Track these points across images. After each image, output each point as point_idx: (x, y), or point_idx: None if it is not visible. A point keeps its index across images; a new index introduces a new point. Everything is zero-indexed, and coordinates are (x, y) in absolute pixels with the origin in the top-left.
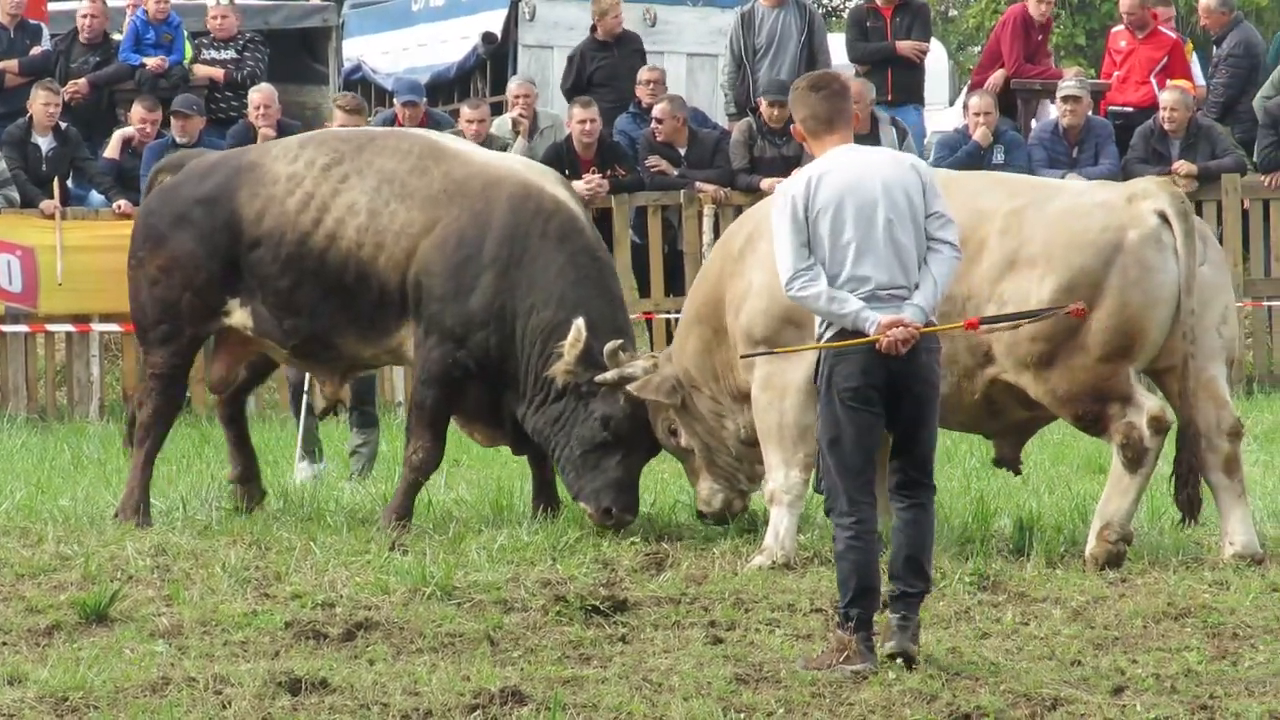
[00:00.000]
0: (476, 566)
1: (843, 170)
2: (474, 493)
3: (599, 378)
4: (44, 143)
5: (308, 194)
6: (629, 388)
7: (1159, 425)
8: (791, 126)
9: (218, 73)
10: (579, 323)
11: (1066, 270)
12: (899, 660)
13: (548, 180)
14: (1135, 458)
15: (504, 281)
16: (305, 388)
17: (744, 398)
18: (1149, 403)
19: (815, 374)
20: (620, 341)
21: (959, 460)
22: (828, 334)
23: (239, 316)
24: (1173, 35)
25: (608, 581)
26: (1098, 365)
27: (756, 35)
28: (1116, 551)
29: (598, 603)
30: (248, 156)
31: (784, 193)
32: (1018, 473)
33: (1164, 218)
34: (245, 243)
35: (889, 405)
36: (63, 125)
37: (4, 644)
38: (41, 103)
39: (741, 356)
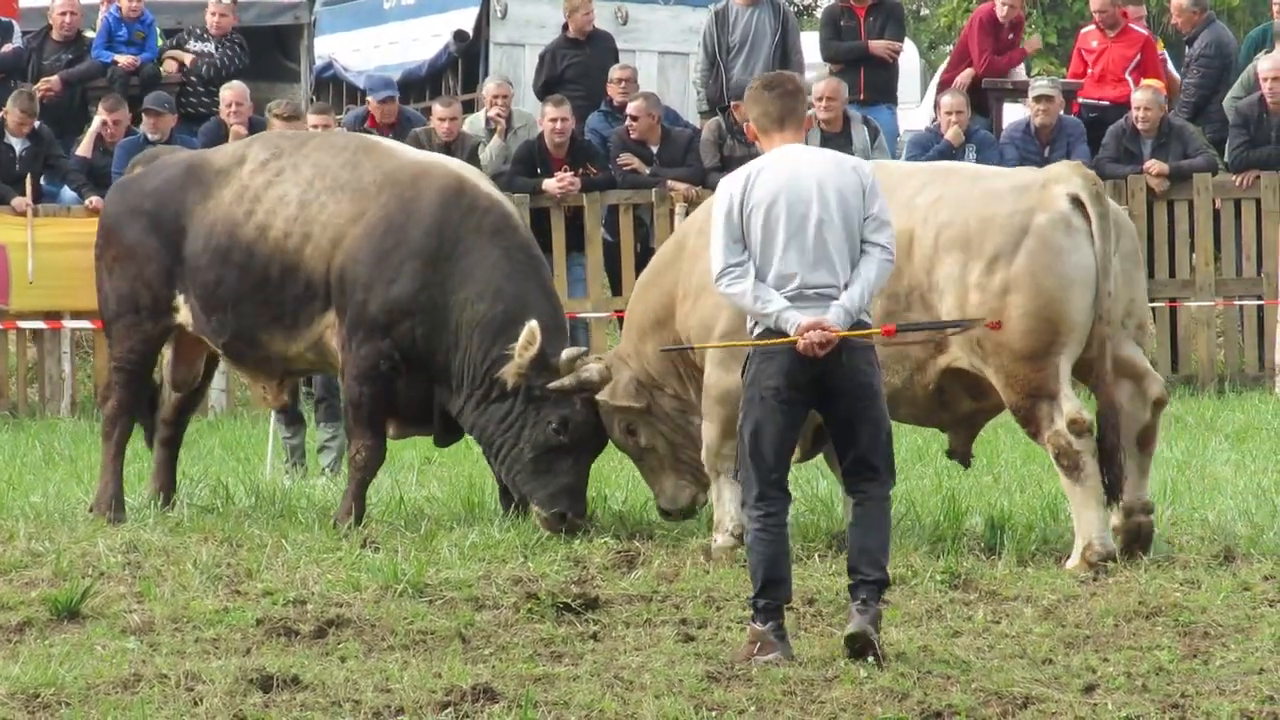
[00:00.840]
0: (448, 564)
1: (780, 168)
2: (446, 490)
3: (554, 385)
4: (17, 142)
5: (244, 186)
6: (599, 397)
7: (1078, 427)
8: (745, 124)
9: (186, 57)
10: (532, 325)
11: (981, 255)
12: (857, 644)
13: (482, 179)
14: (1072, 464)
15: (433, 273)
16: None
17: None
18: (1067, 406)
19: (742, 371)
20: (582, 350)
21: (931, 459)
22: (755, 330)
23: (184, 313)
24: (1144, 32)
25: (579, 579)
26: (1026, 359)
27: (730, 33)
28: (1097, 571)
29: (569, 600)
30: (202, 154)
31: (724, 188)
32: (968, 465)
33: (1076, 202)
34: (188, 237)
35: (822, 405)
36: (36, 124)
37: None
38: (15, 121)
39: (661, 350)
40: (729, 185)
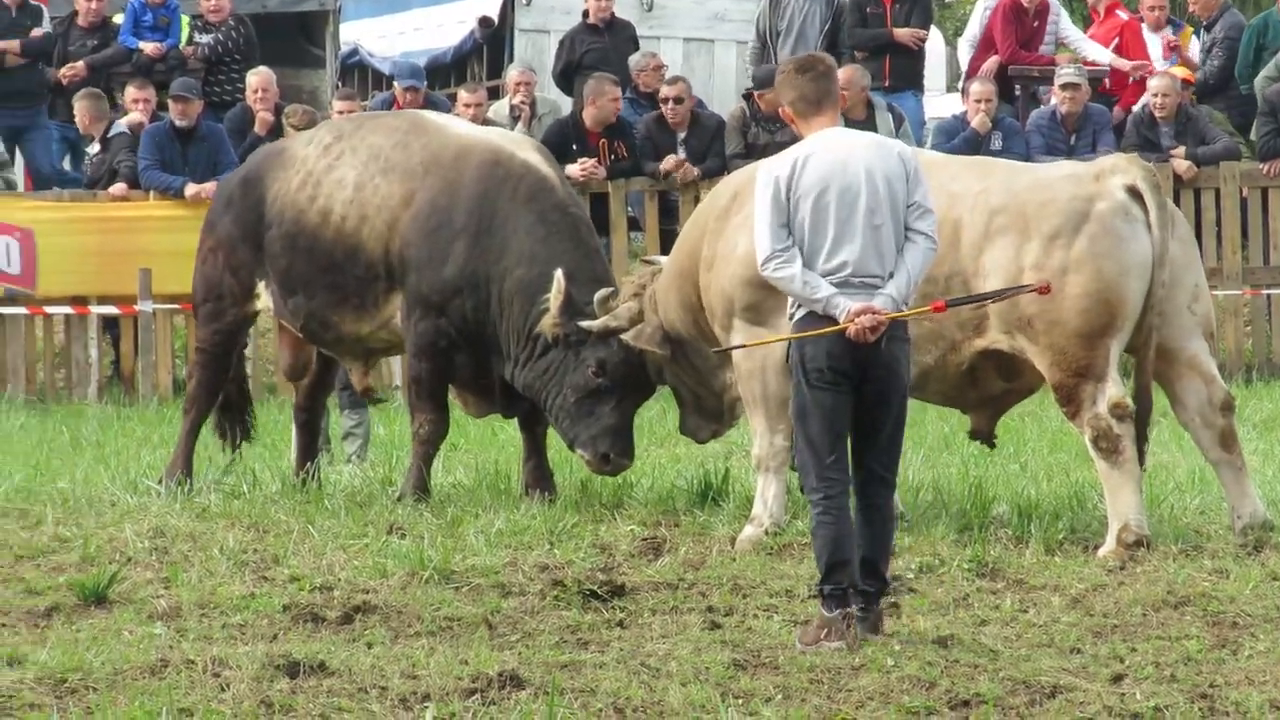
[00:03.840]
0: (475, 550)
1: (828, 154)
2: (472, 476)
3: (584, 324)
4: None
5: (308, 172)
6: (624, 338)
7: (1120, 412)
8: (780, 109)
9: (188, 49)
10: (558, 273)
11: (1039, 237)
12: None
13: (520, 147)
14: (1110, 447)
15: (476, 248)
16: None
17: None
18: (1111, 389)
19: (786, 354)
20: (610, 289)
21: (958, 447)
22: (797, 315)
23: (264, 298)
24: (1124, 17)
25: (605, 566)
26: (1079, 338)
27: (781, 18)
28: (1131, 557)
29: (595, 587)
30: (282, 142)
31: (768, 171)
32: (992, 446)
33: (1133, 191)
34: (265, 224)
35: (858, 384)
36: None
37: (3, 625)
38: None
39: (714, 351)
40: (774, 169)
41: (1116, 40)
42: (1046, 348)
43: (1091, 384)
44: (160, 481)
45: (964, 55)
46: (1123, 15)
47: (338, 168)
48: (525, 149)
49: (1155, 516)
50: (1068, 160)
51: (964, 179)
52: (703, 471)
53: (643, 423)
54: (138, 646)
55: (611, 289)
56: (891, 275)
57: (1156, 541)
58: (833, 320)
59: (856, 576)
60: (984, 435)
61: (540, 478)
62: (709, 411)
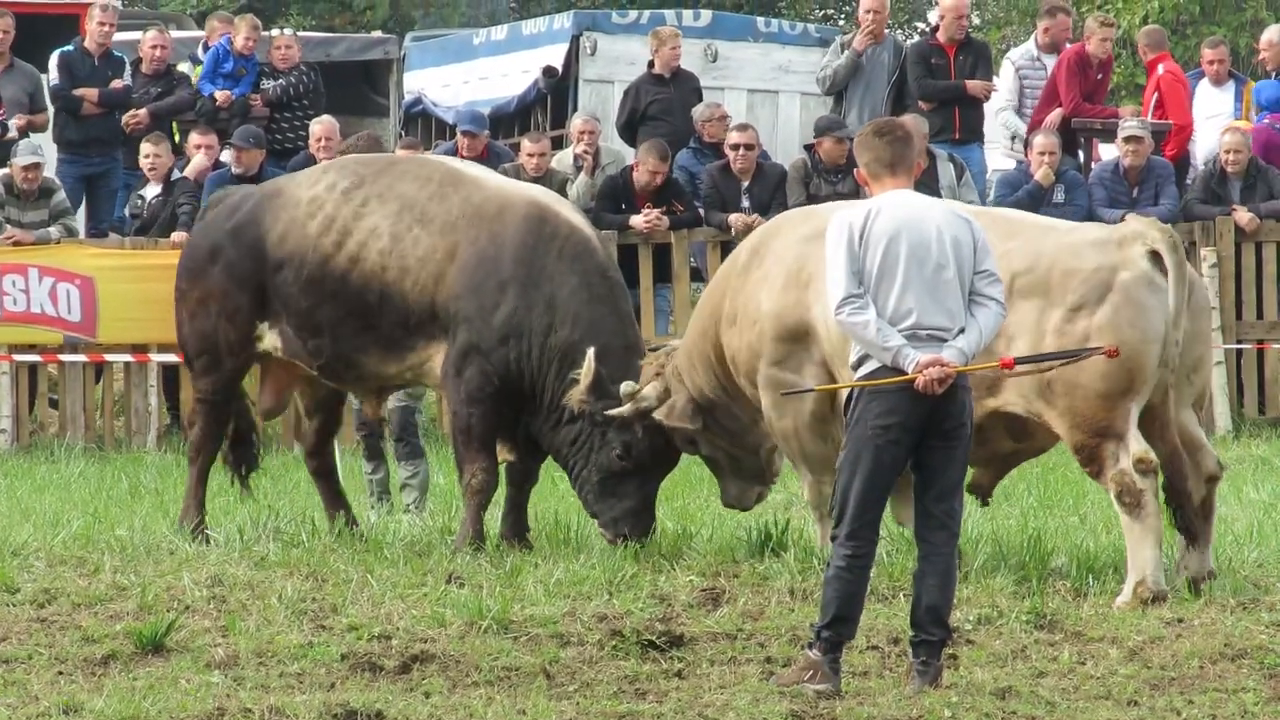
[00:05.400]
0: (533, 600)
1: (901, 208)
2: (531, 526)
3: (612, 412)
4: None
5: (329, 217)
6: (655, 416)
7: (1144, 467)
8: (855, 170)
9: (257, 98)
10: (590, 353)
11: (1063, 304)
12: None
13: (562, 205)
14: (1133, 502)
15: (524, 299)
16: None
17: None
18: (1134, 445)
19: (845, 407)
20: (635, 386)
21: (1017, 499)
22: (863, 369)
23: (269, 339)
24: (1161, 70)
25: (664, 616)
26: (1100, 399)
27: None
28: (1146, 608)
29: (654, 638)
30: (274, 184)
31: (842, 219)
32: (986, 503)
33: (1155, 257)
34: (270, 266)
35: (918, 443)
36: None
37: (60, 673)
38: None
39: (783, 394)
40: (848, 217)
41: (1155, 95)
42: (1066, 410)
43: (1113, 443)
44: (176, 529)
45: (999, 122)
46: (1160, 69)
47: (366, 215)
48: (566, 208)
49: None
50: (1087, 223)
51: (992, 233)
52: (762, 522)
53: (704, 475)
54: (195, 695)
55: (635, 386)
56: (961, 331)
57: (1214, 594)
58: (900, 373)
59: (854, 633)
60: (983, 491)
61: (520, 530)
62: (749, 472)
